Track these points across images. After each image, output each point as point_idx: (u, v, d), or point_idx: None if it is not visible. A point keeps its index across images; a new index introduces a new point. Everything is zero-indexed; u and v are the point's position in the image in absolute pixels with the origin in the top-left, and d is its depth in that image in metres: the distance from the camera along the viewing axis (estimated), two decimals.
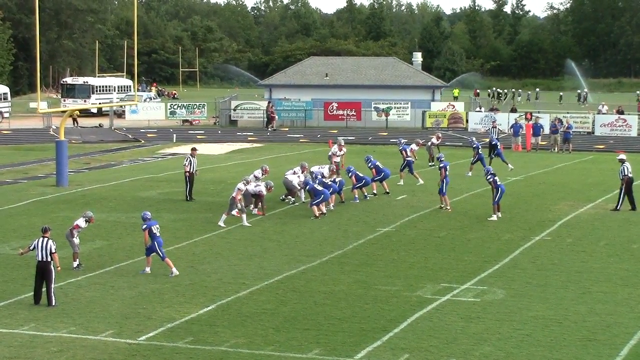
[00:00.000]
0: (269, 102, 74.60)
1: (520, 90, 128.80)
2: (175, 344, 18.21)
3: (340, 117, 75.26)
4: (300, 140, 64.05)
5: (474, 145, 45.21)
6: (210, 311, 20.57)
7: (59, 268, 21.50)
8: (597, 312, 20.69)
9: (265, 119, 73.78)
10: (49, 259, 21.05)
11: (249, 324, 19.57)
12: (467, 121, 72.74)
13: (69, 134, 54.52)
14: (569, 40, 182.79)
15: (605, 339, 18.76)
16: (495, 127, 55.85)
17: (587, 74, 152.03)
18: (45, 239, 21.23)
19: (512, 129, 60.63)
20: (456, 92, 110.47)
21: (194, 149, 37.75)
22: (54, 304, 20.77)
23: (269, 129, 71.63)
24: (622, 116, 71.31)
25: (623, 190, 34.59)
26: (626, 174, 34.36)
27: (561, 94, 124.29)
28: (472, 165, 44.75)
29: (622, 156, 35.64)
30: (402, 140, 43.58)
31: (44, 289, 21.04)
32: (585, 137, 66.01)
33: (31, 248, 21.49)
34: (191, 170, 36.53)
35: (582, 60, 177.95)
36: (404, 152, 41.78)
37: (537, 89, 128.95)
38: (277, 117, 73.58)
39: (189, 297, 21.75)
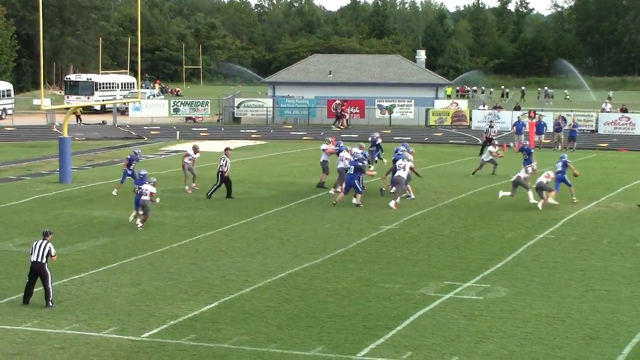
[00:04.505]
0: (343, 101, 74.33)
1: (504, 88, 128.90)
2: (178, 341, 18.22)
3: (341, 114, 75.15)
4: (304, 137, 64.04)
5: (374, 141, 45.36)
6: (213, 308, 20.58)
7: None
8: (600, 310, 20.69)
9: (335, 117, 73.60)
10: (44, 261, 20.77)
11: (252, 322, 19.57)
12: (470, 119, 72.78)
13: (72, 131, 54.58)
14: (572, 39, 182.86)
15: (608, 337, 18.75)
16: (492, 127, 55.36)
17: (590, 72, 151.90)
18: (45, 242, 20.97)
19: (515, 127, 60.58)
20: (449, 90, 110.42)
21: (227, 149, 37.46)
22: (51, 305, 20.53)
23: (339, 127, 71.38)
24: (625, 114, 71.25)
25: None
26: None
27: (523, 88, 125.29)
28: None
29: None
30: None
31: (36, 289, 20.88)
32: (588, 135, 65.99)
33: (30, 253, 21.20)
34: (226, 170, 36.23)
35: (585, 58, 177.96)
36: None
37: (539, 89, 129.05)
38: (347, 115, 73.45)
39: (192, 294, 21.76)
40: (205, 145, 57.31)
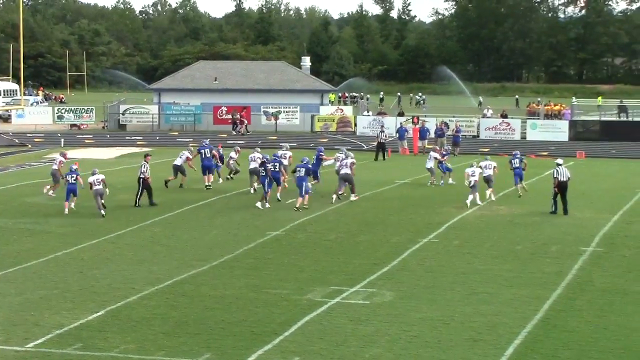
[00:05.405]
0: (241, 109, 74.21)
1: (381, 94, 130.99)
2: (64, 351, 18.02)
3: (229, 121, 75.12)
4: (190, 145, 63.60)
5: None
6: (100, 317, 20.41)
7: None
8: (483, 312, 21.12)
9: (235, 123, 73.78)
10: None
11: (139, 329, 19.48)
12: (355, 125, 73.53)
13: None
14: (454, 45, 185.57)
15: (491, 339, 19.16)
16: (383, 132, 56.72)
17: (471, 78, 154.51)
18: None
19: (397, 133, 61.50)
20: (332, 96, 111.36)
21: (148, 155, 37.80)
22: None
23: (238, 132, 71.76)
24: (505, 120, 72.95)
25: (556, 194, 34.89)
26: (555, 176, 34.64)
27: (399, 94, 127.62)
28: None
29: (559, 160, 35.92)
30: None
31: None
32: (470, 140, 67.20)
33: None
34: (147, 176, 35.95)
35: (467, 64, 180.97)
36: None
37: (411, 95, 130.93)
38: (245, 121, 73.74)
39: (78, 303, 21.54)
40: (91, 153, 56.76)
